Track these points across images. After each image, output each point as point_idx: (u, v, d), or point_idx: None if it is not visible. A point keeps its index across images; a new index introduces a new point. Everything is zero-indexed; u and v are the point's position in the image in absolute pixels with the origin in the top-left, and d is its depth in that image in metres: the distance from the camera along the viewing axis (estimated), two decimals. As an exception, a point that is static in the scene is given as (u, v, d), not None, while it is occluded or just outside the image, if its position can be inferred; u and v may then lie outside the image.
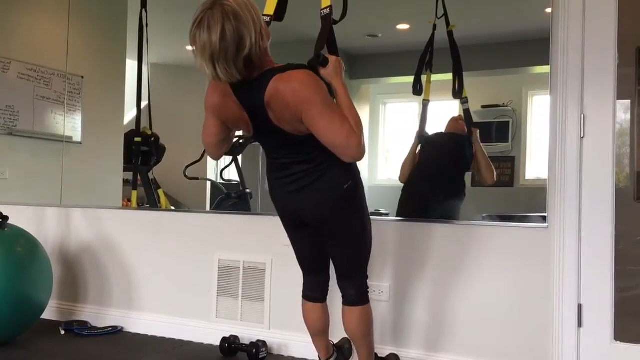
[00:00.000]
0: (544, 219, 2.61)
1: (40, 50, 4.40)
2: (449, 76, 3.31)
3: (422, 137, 3.47)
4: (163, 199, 4.00)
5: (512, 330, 2.64)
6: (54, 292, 3.34)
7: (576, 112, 2.53)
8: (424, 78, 3.45)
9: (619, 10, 2.48)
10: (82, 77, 4.42)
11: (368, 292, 2.26)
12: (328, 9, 2.26)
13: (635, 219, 2.50)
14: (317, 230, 2.19)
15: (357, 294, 2.23)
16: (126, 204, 4.03)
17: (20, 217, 3.36)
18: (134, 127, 3.99)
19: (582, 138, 2.53)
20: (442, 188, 3.40)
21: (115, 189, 4.26)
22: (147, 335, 3.37)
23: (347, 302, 2.24)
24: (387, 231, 2.86)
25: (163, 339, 3.30)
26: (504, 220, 2.94)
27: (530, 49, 3.18)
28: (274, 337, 3.05)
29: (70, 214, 3.75)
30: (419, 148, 3.45)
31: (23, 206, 3.78)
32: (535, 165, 3.32)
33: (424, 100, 3.47)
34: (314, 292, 2.34)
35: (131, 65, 4.21)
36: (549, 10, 2.61)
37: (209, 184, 4.27)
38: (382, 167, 3.89)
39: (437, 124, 3.48)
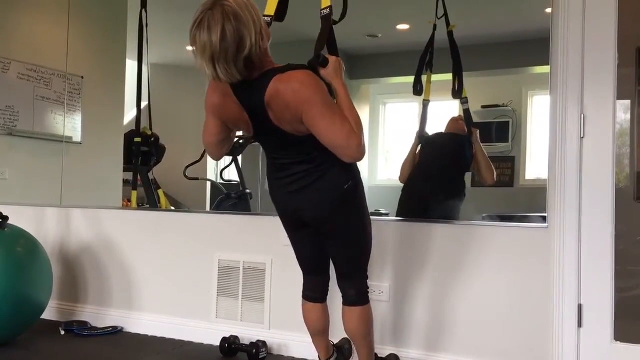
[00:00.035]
0: (544, 219, 2.61)
1: (40, 50, 4.40)
2: (449, 76, 3.31)
3: (422, 137, 3.47)
4: (163, 199, 4.00)
5: (512, 330, 2.64)
6: (54, 292, 3.34)
7: (576, 112, 2.53)
8: (424, 78, 3.45)
9: (619, 10, 2.48)
10: (82, 77, 4.42)
11: (368, 292, 2.26)
12: (328, 9, 2.26)
13: (635, 219, 2.50)
14: (317, 231, 2.19)
15: (357, 294, 2.23)
16: (126, 204, 4.03)
17: (20, 217, 3.35)
18: (133, 128, 3.99)
19: (582, 138, 2.53)
20: (442, 188, 3.40)
21: (115, 189, 4.26)
22: (147, 335, 3.37)
23: (347, 302, 2.24)
24: (387, 231, 2.86)
25: (163, 339, 3.30)
26: (504, 220, 2.94)
27: (530, 49, 3.18)
28: (274, 338, 3.05)
29: (70, 214, 3.75)
30: (419, 148, 3.45)
31: (23, 206, 3.78)
32: (535, 165, 3.32)
33: (424, 100, 3.47)
34: (314, 292, 2.34)
35: (131, 65, 4.21)
36: (549, 10, 2.62)
37: (209, 184, 4.27)
38: (382, 167, 3.89)
39: (437, 124, 3.48)
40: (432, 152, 3.47)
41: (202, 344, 3.20)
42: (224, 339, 2.98)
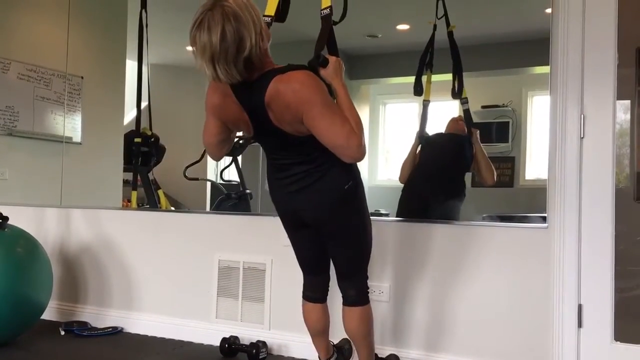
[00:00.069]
0: (544, 219, 2.61)
1: (40, 50, 4.40)
2: (449, 76, 3.31)
3: (422, 138, 3.47)
4: (163, 199, 4.00)
5: (512, 330, 2.64)
6: (54, 292, 3.34)
7: (576, 112, 2.53)
8: (424, 78, 3.45)
9: (619, 11, 2.48)
10: (82, 77, 4.42)
11: (368, 292, 2.26)
12: (328, 9, 2.26)
13: (635, 219, 2.50)
14: (318, 231, 2.19)
15: (357, 295, 2.23)
16: (126, 204, 4.03)
17: (20, 218, 3.35)
18: (133, 128, 3.99)
19: (582, 138, 2.53)
20: (442, 188, 3.40)
21: (115, 190, 4.26)
22: (147, 335, 3.37)
23: (347, 302, 2.24)
24: (387, 231, 2.86)
25: (163, 339, 3.30)
26: (504, 220, 2.94)
27: (530, 49, 3.18)
28: (274, 338, 3.05)
29: (70, 214, 3.75)
30: (419, 148, 3.45)
31: (23, 206, 3.78)
32: (535, 165, 3.32)
33: (424, 100, 3.47)
34: (314, 292, 2.34)
35: (131, 65, 4.21)
36: (548, 10, 2.62)
37: (208, 184, 4.27)
38: (382, 167, 3.89)
39: (437, 125, 3.48)
40: (432, 153, 3.48)
41: (202, 344, 3.20)
42: (224, 339, 2.98)
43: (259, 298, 3.15)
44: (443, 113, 3.50)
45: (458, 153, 3.38)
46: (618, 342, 2.46)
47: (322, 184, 2.08)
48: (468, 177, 3.32)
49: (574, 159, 2.53)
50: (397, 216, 3.26)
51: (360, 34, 3.79)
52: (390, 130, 3.95)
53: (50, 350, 3.05)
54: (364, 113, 3.66)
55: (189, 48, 1.96)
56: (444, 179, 3.43)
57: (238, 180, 4.12)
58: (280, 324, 3.07)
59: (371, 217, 2.22)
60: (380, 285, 2.85)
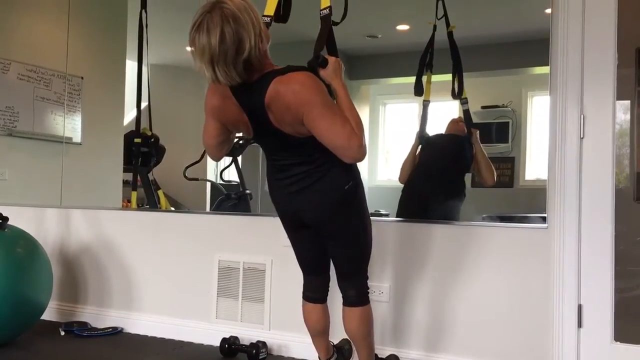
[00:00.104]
0: (544, 219, 2.61)
1: (40, 51, 4.40)
2: (449, 77, 3.31)
3: (422, 138, 3.47)
4: (163, 199, 4.00)
5: (512, 330, 2.64)
6: (54, 292, 3.34)
7: (576, 112, 2.53)
8: (424, 79, 3.45)
9: (619, 11, 2.48)
10: (82, 77, 4.42)
11: (368, 292, 2.26)
12: (327, 10, 2.25)
13: (635, 219, 2.50)
14: (318, 231, 2.19)
15: (357, 295, 2.23)
16: (126, 204, 4.03)
17: (20, 218, 3.35)
18: (133, 128, 3.99)
19: (581, 138, 2.53)
20: (442, 189, 3.40)
21: (115, 190, 4.26)
22: (147, 336, 3.37)
23: (347, 302, 2.24)
24: (387, 232, 2.86)
25: (163, 339, 3.30)
26: (504, 220, 2.94)
27: (530, 49, 3.18)
28: (274, 338, 3.05)
29: (70, 214, 3.75)
30: (419, 149, 3.45)
31: (23, 207, 3.78)
32: (535, 165, 3.32)
33: (424, 100, 3.47)
34: (314, 292, 2.34)
35: (131, 66, 4.21)
36: (548, 10, 2.62)
37: (208, 184, 4.27)
38: (382, 167, 3.89)
39: (437, 125, 3.48)
40: (432, 153, 3.48)
41: (202, 344, 3.20)
42: (224, 340, 2.98)
43: (259, 298, 3.15)
44: (443, 113, 3.50)
45: (458, 153, 3.38)
46: (618, 343, 2.46)
47: (322, 185, 2.08)
48: (468, 177, 3.32)
49: (573, 159, 2.53)
50: (397, 216, 3.26)
51: (360, 35, 3.79)
52: (390, 131, 3.95)
53: (50, 351, 3.05)
54: (364, 113, 3.66)
55: (189, 48, 1.96)
56: (444, 179, 3.43)
57: (238, 180, 4.12)
58: (280, 324, 3.07)
59: (371, 218, 2.22)
60: (380, 286, 2.85)
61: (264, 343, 2.94)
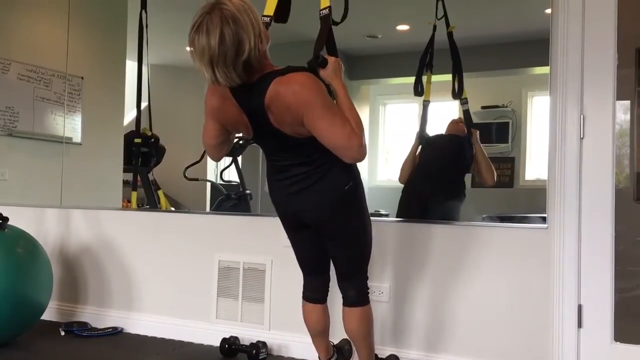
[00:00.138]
0: (544, 219, 2.61)
1: (40, 51, 4.40)
2: (449, 77, 3.31)
3: (422, 138, 3.47)
4: (163, 199, 4.01)
5: (512, 330, 2.63)
6: (54, 293, 3.34)
7: (576, 112, 2.53)
8: (424, 79, 3.45)
9: (619, 11, 2.48)
10: (82, 78, 4.43)
11: (368, 292, 2.26)
12: (327, 10, 2.25)
13: (635, 219, 2.49)
14: (318, 231, 2.19)
15: (357, 295, 2.23)
16: (126, 204, 4.03)
17: (20, 218, 3.35)
18: (133, 128, 3.99)
19: (581, 139, 2.53)
20: (442, 189, 3.40)
21: (115, 190, 4.27)
22: (147, 336, 3.37)
23: (347, 303, 2.24)
24: (387, 232, 2.86)
25: (163, 339, 3.30)
26: (504, 220, 2.94)
27: (530, 49, 3.18)
28: (274, 338, 3.05)
29: (70, 214, 3.75)
30: (419, 149, 3.46)
31: (23, 207, 3.78)
32: (535, 165, 3.32)
33: (424, 101, 3.47)
34: (314, 293, 2.34)
35: (131, 66, 4.21)
36: (548, 11, 2.62)
37: (208, 185, 4.27)
38: (382, 167, 3.89)
39: (437, 125, 3.48)
40: (432, 153, 3.48)
41: (202, 344, 3.20)
42: (224, 340, 2.98)
43: (258, 298, 3.15)
44: (443, 113, 3.50)
45: (458, 153, 3.39)
46: (618, 343, 2.46)
47: (322, 185, 2.08)
48: (468, 177, 3.32)
49: (573, 160, 2.53)
50: (397, 216, 3.26)
51: (360, 35, 3.79)
52: (390, 131, 3.96)
53: (50, 351, 3.05)
54: (364, 113, 3.66)
55: (189, 49, 1.96)
56: (444, 179, 3.44)
57: (238, 180, 4.12)
58: (280, 324, 3.07)
59: (371, 218, 2.22)
60: (380, 286, 2.85)
61: (264, 343, 2.94)
